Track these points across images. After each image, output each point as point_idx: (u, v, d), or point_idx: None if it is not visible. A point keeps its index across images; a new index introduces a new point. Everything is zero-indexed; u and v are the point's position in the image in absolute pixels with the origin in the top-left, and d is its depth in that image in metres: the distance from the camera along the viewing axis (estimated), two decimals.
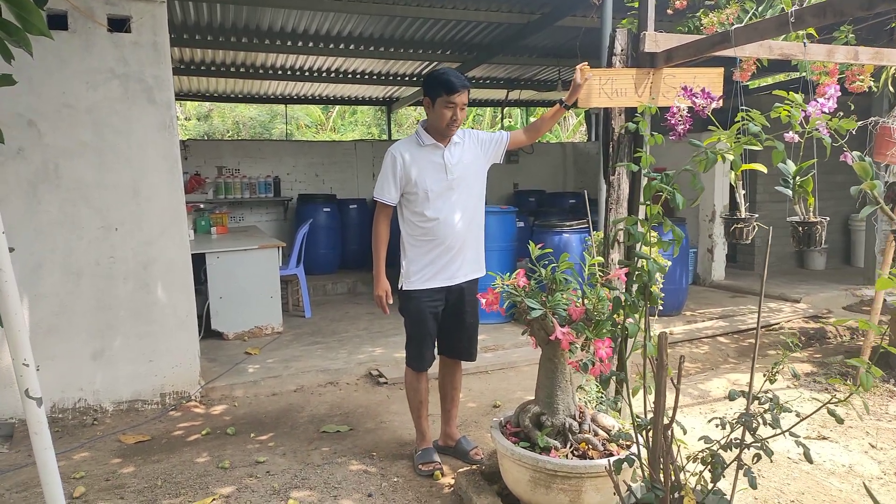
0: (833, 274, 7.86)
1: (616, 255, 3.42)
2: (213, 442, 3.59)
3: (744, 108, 2.05)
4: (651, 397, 1.92)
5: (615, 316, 2.03)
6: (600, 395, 3.34)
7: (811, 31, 3.64)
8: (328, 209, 8.08)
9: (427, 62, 8.01)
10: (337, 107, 20.23)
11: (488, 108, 19.05)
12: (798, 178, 2.04)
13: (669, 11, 4.40)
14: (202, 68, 8.00)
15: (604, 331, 2.55)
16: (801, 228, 2.80)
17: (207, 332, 5.42)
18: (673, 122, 2.35)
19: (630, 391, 2.01)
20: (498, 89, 9.60)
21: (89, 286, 3.94)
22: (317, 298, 7.33)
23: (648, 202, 1.97)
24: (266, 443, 3.58)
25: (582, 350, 2.71)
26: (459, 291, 3.17)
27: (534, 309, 2.65)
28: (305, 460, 3.33)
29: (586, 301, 2.72)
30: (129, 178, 3.99)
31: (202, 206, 6.69)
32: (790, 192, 2.08)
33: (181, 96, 9.75)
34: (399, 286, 3.10)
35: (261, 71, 8.28)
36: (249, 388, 4.39)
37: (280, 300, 5.70)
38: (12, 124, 3.72)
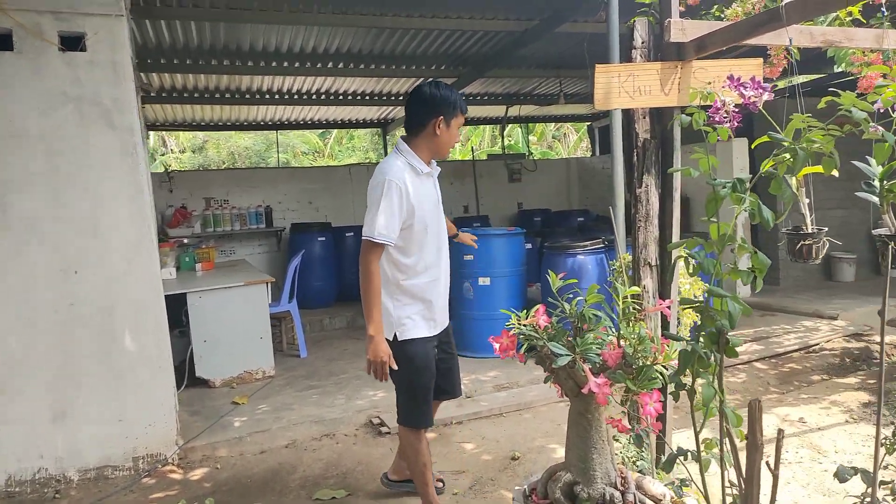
0: (865, 286, 7.35)
1: (650, 282, 2.93)
2: None
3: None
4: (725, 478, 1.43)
5: (682, 375, 1.53)
6: (639, 451, 2.83)
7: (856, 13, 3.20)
8: (323, 238, 7.62)
9: (421, 78, 7.62)
10: (334, 132, 19.92)
11: (487, 127, 18.73)
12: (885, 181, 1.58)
13: (682, 8, 3.97)
14: (185, 95, 7.61)
15: (648, 381, 2.06)
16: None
17: (192, 379, 4.93)
18: (717, 118, 1.87)
19: (701, 470, 1.51)
20: (497, 105, 9.19)
21: (47, 336, 3.47)
22: (313, 335, 6.84)
23: (714, 218, 1.49)
24: None
25: (622, 404, 2.21)
26: (446, 331, 2.88)
27: (560, 355, 2.16)
28: None
29: (623, 342, 2.24)
30: (87, 212, 3.53)
31: (186, 240, 6.24)
32: (875, 199, 1.61)
33: (167, 126, 9.36)
34: (391, 336, 2.63)
35: (247, 96, 7.89)
36: (234, 446, 3.88)
37: (271, 340, 5.21)
38: None
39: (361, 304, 2.58)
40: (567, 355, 2.16)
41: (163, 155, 19.44)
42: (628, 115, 2.96)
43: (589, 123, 11.46)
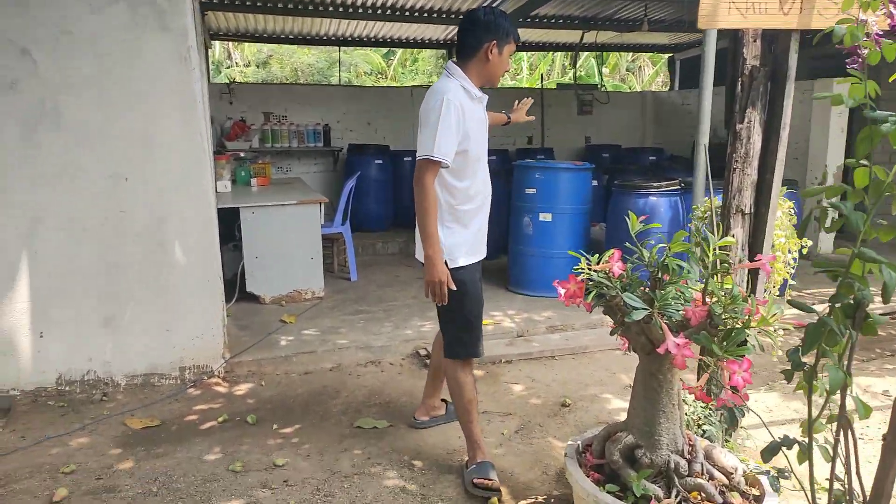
0: None
1: (740, 232, 2.60)
2: (229, 433, 3.05)
3: None
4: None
5: (805, 355, 1.25)
6: (706, 409, 2.59)
7: None
8: (380, 161, 7.41)
9: None
10: (398, 53, 19.36)
11: (558, 55, 17.81)
12: None
13: None
14: (247, 3, 7.34)
15: (738, 346, 1.79)
16: None
17: (242, 293, 4.91)
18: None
19: (811, 468, 1.26)
20: (571, 29, 8.56)
21: (98, 244, 3.42)
22: (365, 258, 6.74)
23: (863, 162, 1.17)
24: (290, 437, 3.01)
25: (702, 371, 1.96)
26: (481, 263, 2.78)
27: (636, 308, 1.91)
28: (332, 467, 2.75)
29: (709, 299, 1.96)
30: (138, 120, 3.40)
31: (243, 154, 6.13)
32: None
33: (230, 36, 9.15)
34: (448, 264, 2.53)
35: (310, 7, 7.55)
36: (280, 365, 3.84)
37: (322, 262, 5.11)
38: (3, 52, 3.16)
39: (417, 226, 2.50)
40: (644, 309, 1.91)
41: (228, 67, 19.39)
42: (735, 37, 2.56)
43: (671, 55, 10.63)
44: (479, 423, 2.72)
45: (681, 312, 1.92)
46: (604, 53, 13.72)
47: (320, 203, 5.05)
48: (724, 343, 1.82)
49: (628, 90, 17.82)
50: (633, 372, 2.20)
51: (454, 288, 2.47)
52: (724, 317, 1.87)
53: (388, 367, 3.88)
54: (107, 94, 3.33)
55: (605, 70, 18.66)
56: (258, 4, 7.45)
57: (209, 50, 10.04)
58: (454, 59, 2.58)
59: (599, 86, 9.65)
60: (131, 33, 3.33)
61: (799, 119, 6.73)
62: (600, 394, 3.52)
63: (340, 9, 7.67)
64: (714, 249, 2.00)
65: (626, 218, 2.19)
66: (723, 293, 1.91)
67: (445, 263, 2.48)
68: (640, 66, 21.00)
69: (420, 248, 2.56)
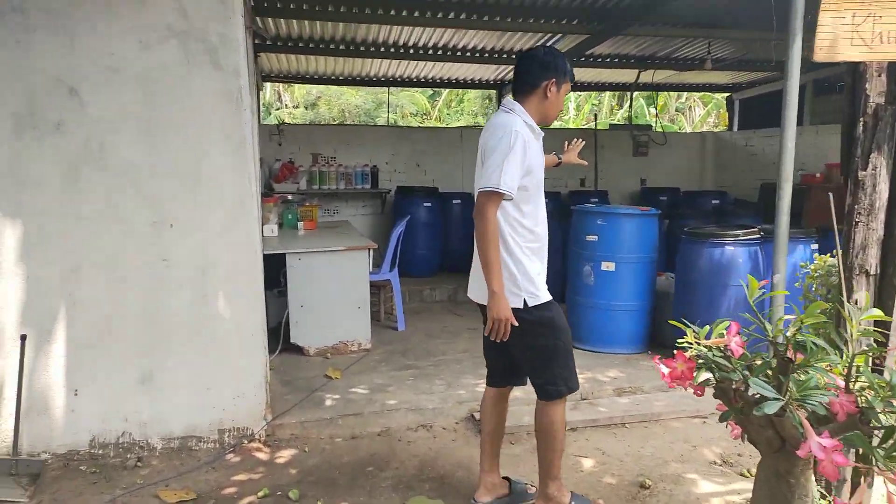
0: None
1: (863, 296, 2.21)
2: None
3: None
4: None
5: None
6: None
7: None
8: (429, 203, 7.18)
9: (547, 35, 6.89)
10: (444, 94, 19.45)
11: (606, 94, 17.60)
12: None
13: None
14: (300, 45, 7.32)
15: None
16: None
17: (286, 343, 4.66)
18: None
19: None
20: (627, 69, 8.30)
21: (138, 294, 3.22)
22: (412, 305, 6.46)
23: None
24: None
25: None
26: None
27: (769, 399, 1.55)
28: None
29: (857, 388, 1.59)
30: (187, 161, 3.23)
31: (290, 196, 5.98)
32: None
33: (281, 77, 9.19)
34: (521, 304, 2.47)
35: (362, 48, 7.49)
36: (325, 428, 3.54)
37: (369, 311, 4.85)
38: (51, 92, 3.04)
39: (475, 263, 2.56)
40: (778, 399, 1.55)
41: (277, 109, 19.78)
42: (855, 71, 2.22)
43: (729, 94, 10.25)
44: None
45: (825, 406, 1.55)
46: (654, 93, 13.41)
47: (369, 249, 4.81)
48: (887, 447, 1.45)
49: (678, 130, 17.43)
50: (716, 446, 1.83)
51: (516, 324, 2.38)
52: (883, 411, 1.49)
53: (440, 433, 3.54)
54: (154, 134, 3.17)
55: (652, 110, 18.36)
56: (310, 46, 7.43)
57: (260, 91, 10.14)
58: (510, 98, 2.60)
59: (653, 126, 9.31)
60: (181, 70, 3.18)
61: None
62: (683, 473, 3.10)
63: (391, 49, 7.60)
64: (857, 323, 1.64)
65: (743, 281, 1.85)
66: (878, 380, 1.54)
67: (525, 304, 2.45)
68: (690, 106, 20.61)
69: (474, 287, 2.61)
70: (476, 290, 2.62)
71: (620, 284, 4.63)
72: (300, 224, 5.54)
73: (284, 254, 4.58)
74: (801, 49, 4.03)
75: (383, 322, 5.67)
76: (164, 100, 3.17)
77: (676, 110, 20.42)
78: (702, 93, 18.34)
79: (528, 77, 2.53)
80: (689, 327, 1.83)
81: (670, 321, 2.13)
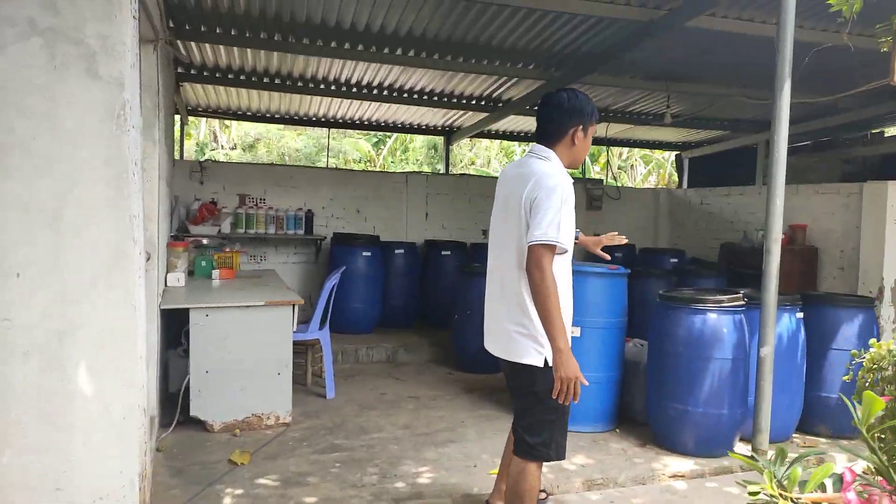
0: None
1: None
2: None
3: None
4: None
5: None
6: None
7: None
8: (368, 253, 6.50)
9: (499, 78, 6.47)
10: (388, 143, 19.04)
11: None
12: None
13: None
14: (229, 77, 6.66)
15: None
16: None
17: (186, 415, 3.82)
18: None
19: None
20: None
21: None
22: (345, 366, 5.69)
23: None
24: None
25: None
26: None
27: None
28: None
29: None
30: (45, 192, 2.46)
31: (205, 241, 5.19)
32: None
33: (206, 112, 8.46)
34: (542, 363, 2.42)
35: (300, 84, 6.88)
36: None
37: (290, 378, 4.07)
38: None
39: (510, 316, 2.49)
40: None
41: (213, 150, 18.89)
42: None
43: (678, 153, 10.14)
44: None
45: None
46: (597, 150, 13.33)
47: (294, 305, 4.07)
48: None
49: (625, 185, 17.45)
50: None
51: (587, 384, 2.35)
52: None
53: None
54: (4, 155, 2.41)
55: (595, 168, 18.43)
56: (241, 78, 6.78)
57: (185, 125, 9.35)
58: (537, 145, 2.55)
59: (605, 181, 9.01)
60: (46, 78, 2.45)
61: (843, 225, 6.01)
62: None
63: (332, 87, 7.03)
64: None
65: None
66: None
67: (546, 363, 2.39)
68: (631, 165, 20.89)
69: (492, 340, 2.59)
70: (494, 342, 2.58)
71: (586, 353, 4.02)
72: (215, 273, 4.75)
73: (188, 309, 3.79)
74: (789, 96, 3.67)
75: (310, 388, 4.88)
76: (17, 112, 2.43)
77: (619, 168, 20.64)
78: (648, 150, 18.61)
79: (554, 125, 2.50)
80: (756, 463, 1.21)
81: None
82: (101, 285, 2.53)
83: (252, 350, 3.93)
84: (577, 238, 2.83)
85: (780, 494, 1.18)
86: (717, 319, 3.66)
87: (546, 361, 2.39)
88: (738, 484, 1.33)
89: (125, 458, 2.60)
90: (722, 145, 9.05)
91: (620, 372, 4.20)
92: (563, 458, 2.57)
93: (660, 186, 14.09)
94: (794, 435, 4.18)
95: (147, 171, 3.61)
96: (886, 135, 8.20)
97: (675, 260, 7.02)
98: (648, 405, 4.00)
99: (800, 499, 1.17)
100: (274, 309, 3.99)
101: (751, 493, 1.21)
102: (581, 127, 2.48)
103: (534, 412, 2.49)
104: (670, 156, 19.31)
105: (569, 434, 4.00)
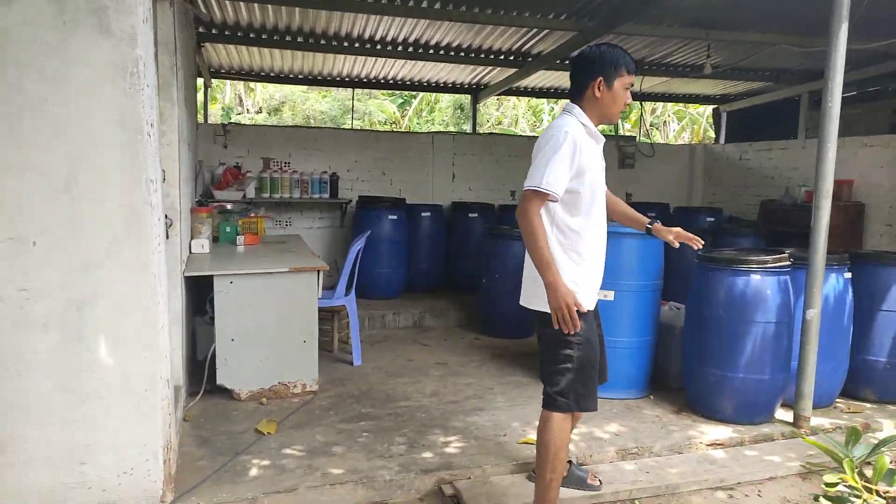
0: None
1: None
2: None
3: None
4: None
5: None
6: None
7: None
8: (394, 216, 6.38)
9: (529, 31, 6.17)
10: (413, 104, 18.72)
11: None
12: None
13: None
14: (251, 36, 6.48)
15: None
16: None
17: (213, 384, 3.80)
18: None
19: None
20: None
21: None
22: (372, 332, 5.63)
23: None
24: None
25: None
26: (596, 311, 2.66)
27: None
28: None
29: None
30: (58, 157, 2.38)
31: (230, 206, 5.11)
32: None
33: (229, 73, 8.31)
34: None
35: (323, 42, 6.68)
36: None
37: (316, 345, 4.01)
38: None
39: (526, 267, 2.54)
40: None
41: (238, 114, 18.82)
42: None
43: (716, 106, 9.70)
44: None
45: None
46: (629, 106, 12.87)
47: (319, 271, 3.98)
48: None
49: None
50: None
51: (584, 310, 2.39)
52: None
53: None
54: (11, 117, 2.32)
55: (626, 125, 17.88)
56: (262, 38, 6.59)
57: (209, 88, 9.24)
58: (568, 102, 2.55)
59: (636, 137, 8.69)
60: (55, 35, 2.34)
61: (892, 179, 5.67)
62: None
63: (356, 45, 6.80)
64: None
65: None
66: None
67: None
68: (664, 122, 20.25)
69: (528, 293, 2.55)
70: (524, 294, 2.58)
71: (620, 317, 3.88)
72: (240, 238, 4.68)
73: (212, 276, 3.72)
74: (845, 44, 3.38)
75: (336, 354, 4.83)
76: (27, 72, 2.32)
77: (651, 125, 20.03)
78: (682, 105, 17.99)
79: (576, 80, 2.51)
80: (832, 449, 1.06)
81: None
82: (118, 253, 2.46)
83: (277, 317, 3.87)
84: (650, 228, 2.85)
85: (865, 487, 1.02)
86: (760, 281, 3.46)
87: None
88: (808, 470, 1.17)
89: (149, 430, 2.56)
90: (762, 97, 8.62)
91: (655, 336, 4.04)
92: (591, 410, 2.52)
93: (695, 143, 13.61)
94: (837, 400, 4.00)
95: (166, 133, 3.50)
96: None
97: (712, 219, 6.75)
98: (685, 371, 3.85)
99: (888, 492, 1.02)
100: (298, 275, 3.91)
101: (827, 485, 1.07)
102: (601, 80, 2.44)
103: (550, 360, 2.49)
104: (705, 111, 18.66)
105: (601, 401, 3.91)
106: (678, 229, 2.83)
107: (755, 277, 3.48)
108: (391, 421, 3.59)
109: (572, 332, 2.32)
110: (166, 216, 3.37)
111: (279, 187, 6.60)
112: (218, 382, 3.77)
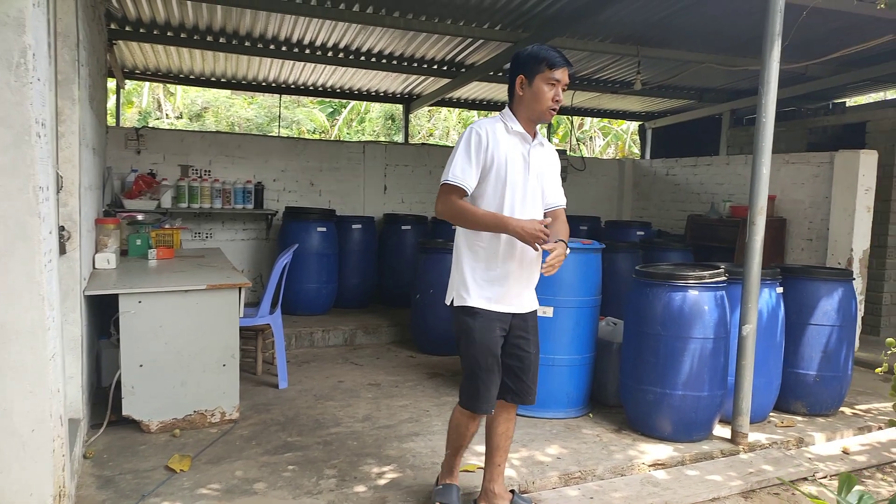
0: None
1: None
2: None
3: None
4: None
5: None
6: None
7: None
8: (324, 229, 6.09)
9: (463, 40, 6.06)
10: (343, 112, 18.37)
11: None
12: None
13: None
14: (168, 34, 6.07)
15: None
16: None
17: (118, 416, 3.41)
18: None
19: None
20: None
21: None
22: (300, 352, 5.32)
23: None
24: None
25: None
26: (523, 320, 2.60)
27: None
28: None
29: None
30: None
31: (141, 217, 4.69)
32: None
33: (144, 75, 7.79)
34: (449, 301, 2.60)
35: (247, 44, 6.34)
36: None
37: (237, 369, 3.68)
38: None
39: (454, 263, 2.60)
40: None
41: (157, 119, 17.91)
42: None
43: (641, 123, 9.93)
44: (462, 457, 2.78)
45: None
46: (555, 121, 13.08)
47: (240, 288, 3.67)
48: None
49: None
50: None
51: (548, 232, 2.38)
52: None
53: None
54: None
55: (555, 140, 18.15)
56: (181, 37, 6.19)
57: (122, 90, 8.65)
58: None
59: (568, 152, 8.75)
60: None
61: (812, 195, 5.89)
62: None
63: (283, 48, 6.50)
64: None
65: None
66: None
67: (452, 302, 2.56)
68: (590, 137, 20.76)
69: (452, 292, 2.58)
70: (451, 294, 2.62)
71: (559, 334, 3.77)
72: (152, 252, 4.29)
73: (117, 295, 3.35)
74: (778, 60, 3.41)
75: (260, 377, 4.50)
76: None
77: (577, 139, 20.50)
78: (606, 122, 18.47)
79: (509, 82, 2.55)
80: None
81: None
82: None
83: (193, 340, 3.53)
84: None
85: None
86: (697, 297, 3.42)
87: (452, 301, 2.55)
88: (751, 489, 1.03)
89: (36, 477, 2.21)
90: (686, 115, 8.88)
91: (595, 353, 3.96)
92: (476, 413, 2.54)
93: (623, 157, 13.95)
94: (770, 414, 4.03)
95: (65, 135, 3.13)
96: (847, 104, 8.14)
97: (642, 233, 6.83)
98: (623, 388, 3.77)
99: None
100: (217, 293, 3.58)
101: None
102: (523, 76, 2.46)
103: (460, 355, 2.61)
104: (629, 127, 19.27)
105: (541, 421, 3.81)
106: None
107: (693, 293, 3.44)
108: (320, 451, 3.31)
109: (542, 243, 2.34)
110: (63, 228, 2.99)
111: (198, 197, 6.18)
112: (124, 413, 3.39)
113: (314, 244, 6.02)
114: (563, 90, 2.49)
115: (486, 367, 2.48)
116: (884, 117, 6.27)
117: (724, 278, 3.53)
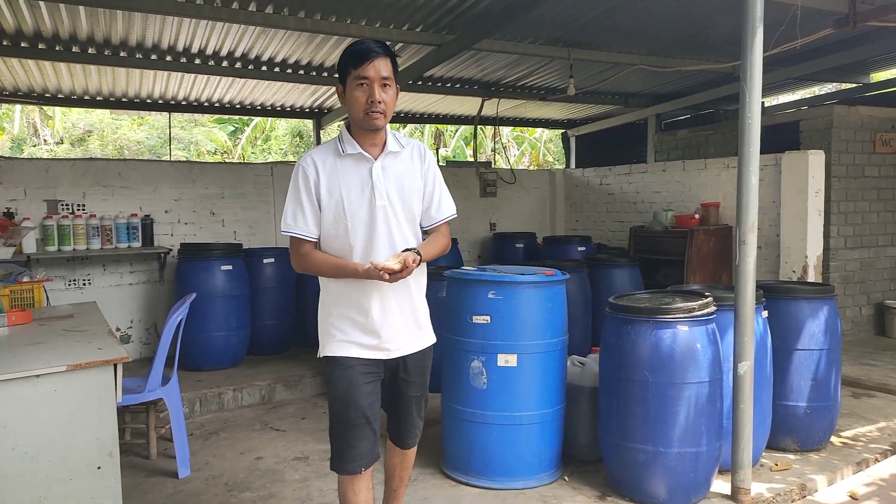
0: None
1: None
2: None
3: None
4: None
5: None
6: None
7: None
8: (229, 266, 5.21)
9: (386, 42, 5.40)
10: (246, 131, 17.21)
11: (427, 128, 16.71)
12: None
13: None
14: (22, 45, 5.01)
15: None
16: None
17: None
18: None
19: None
20: (470, 96, 7.09)
21: None
22: (206, 418, 4.42)
23: None
24: None
25: None
26: (402, 362, 2.30)
27: None
28: None
29: None
30: None
31: None
32: None
33: (3, 95, 6.57)
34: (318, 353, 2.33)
35: (122, 53, 5.36)
36: None
37: (118, 468, 2.78)
38: None
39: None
40: None
41: (34, 146, 16.09)
42: None
43: (564, 131, 9.60)
44: None
45: None
46: (470, 131, 12.66)
47: (115, 364, 2.79)
48: None
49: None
50: None
51: (392, 270, 2.06)
52: None
53: None
54: None
55: (468, 151, 17.79)
56: (40, 48, 5.16)
57: None
58: None
59: (492, 163, 8.26)
60: None
61: (759, 200, 5.59)
62: None
63: (168, 57, 5.58)
64: None
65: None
66: None
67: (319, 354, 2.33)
68: (504, 146, 20.58)
69: (321, 340, 2.31)
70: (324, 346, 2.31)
71: (526, 386, 3.15)
72: (1, 319, 3.32)
73: None
74: (760, 56, 2.95)
75: (155, 462, 3.60)
76: None
77: (492, 150, 20.25)
78: (520, 131, 18.31)
79: None
80: None
81: None
82: None
83: (53, 440, 2.62)
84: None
85: None
86: (689, 333, 2.88)
87: (319, 353, 2.31)
88: None
89: None
90: (610, 121, 8.61)
91: (566, 404, 3.36)
92: (339, 472, 2.25)
93: (553, 167, 13.68)
94: (762, 455, 3.56)
95: None
96: (766, 105, 8.10)
97: (583, 248, 6.37)
98: (604, 445, 3.18)
99: None
100: (84, 373, 2.69)
101: None
102: (340, 85, 2.22)
103: None
104: (542, 134, 19.21)
105: (511, 495, 3.15)
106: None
107: (682, 329, 2.90)
108: None
109: (409, 266, 2.09)
110: None
111: (71, 237, 5.14)
112: None
113: (219, 285, 5.13)
114: (389, 85, 2.14)
115: (350, 423, 2.21)
116: (817, 115, 6.12)
117: (713, 308, 3.01)
